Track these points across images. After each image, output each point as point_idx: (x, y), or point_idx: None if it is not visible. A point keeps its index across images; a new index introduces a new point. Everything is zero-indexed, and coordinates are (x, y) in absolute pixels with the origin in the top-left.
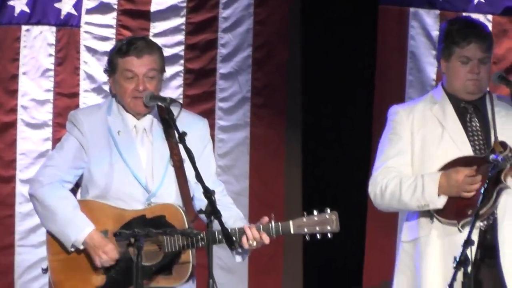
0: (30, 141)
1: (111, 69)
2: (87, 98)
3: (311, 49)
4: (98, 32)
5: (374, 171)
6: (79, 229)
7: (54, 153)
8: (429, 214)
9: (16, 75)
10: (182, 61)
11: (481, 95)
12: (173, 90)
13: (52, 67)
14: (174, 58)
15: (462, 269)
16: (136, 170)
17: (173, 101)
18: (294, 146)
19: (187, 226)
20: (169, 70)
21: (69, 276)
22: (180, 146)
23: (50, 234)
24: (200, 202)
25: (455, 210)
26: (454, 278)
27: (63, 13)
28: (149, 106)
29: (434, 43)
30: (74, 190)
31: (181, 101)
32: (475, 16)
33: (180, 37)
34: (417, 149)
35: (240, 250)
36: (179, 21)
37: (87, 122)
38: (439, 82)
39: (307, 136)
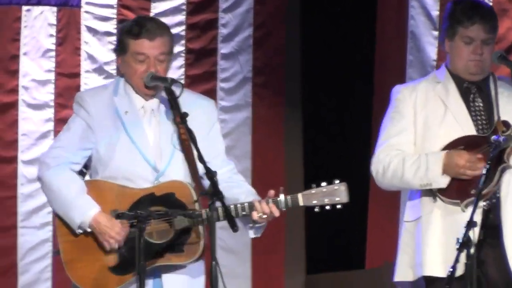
0: (31, 122)
1: (120, 49)
2: (88, 78)
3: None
4: (99, 12)
5: (377, 148)
6: (83, 211)
7: (61, 134)
8: (432, 193)
9: (16, 56)
10: (183, 41)
11: (484, 76)
12: (175, 71)
13: (53, 47)
14: (175, 38)
15: (465, 250)
16: (143, 149)
17: (174, 81)
18: (295, 125)
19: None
20: None
21: (80, 257)
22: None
23: (58, 216)
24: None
25: (458, 189)
26: (457, 260)
27: None
28: (150, 86)
29: (435, 23)
30: (83, 172)
31: (182, 81)
32: None
33: (181, 17)
34: (419, 128)
35: (253, 225)
36: (180, 1)
37: (94, 103)
38: (439, 62)
39: (307, 115)
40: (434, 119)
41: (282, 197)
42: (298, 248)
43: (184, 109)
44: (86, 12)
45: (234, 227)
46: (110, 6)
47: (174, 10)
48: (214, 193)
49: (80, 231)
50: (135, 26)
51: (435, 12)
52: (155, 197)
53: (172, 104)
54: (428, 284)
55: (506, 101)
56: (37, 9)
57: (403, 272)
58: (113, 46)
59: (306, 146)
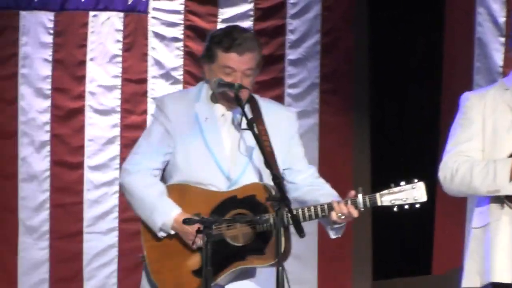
0: (98, 127)
1: (208, 57)
2: (155, 84)
3: (379, 35)
4: (166, 18)
5: (445, 155)
6: (165, 213)
7: (141, 140)
8: (500, 200)
9: (83, 61)
10: None
11: None
12: None
13: (120, 53)
14: None
15: None
16: (219, 157)
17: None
18: (363, 132)
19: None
20: None
21: (164, 262)
22: (269, 133)
23: (142, 222)
24: (289, 185)
25: None
26: None
27: None
28: (217, 92)
29: (501, 30)
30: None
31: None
32: None
33: (249, 23)
34: (488, 135)
35: (334, 226)
36: (247, 7)
37: (174, 108)
38: (506, 68)
39: (376, 122)
40: (502, 126)
41: (360, 197)
42: (365, 254)
43: (267, 117)
44: (154, 18)
45: (301, 233)
46: (177, 12)
47: (242, 16)
48: (281, 198)
49: (163, 234)
50: (226, 38)
51: (501, 19)
52: (237, 199)
53: (242, 109)
54: None
55: None
56: (104, 15)
57: (471, 278)
58: (180, 52)
59: (374, 152)
